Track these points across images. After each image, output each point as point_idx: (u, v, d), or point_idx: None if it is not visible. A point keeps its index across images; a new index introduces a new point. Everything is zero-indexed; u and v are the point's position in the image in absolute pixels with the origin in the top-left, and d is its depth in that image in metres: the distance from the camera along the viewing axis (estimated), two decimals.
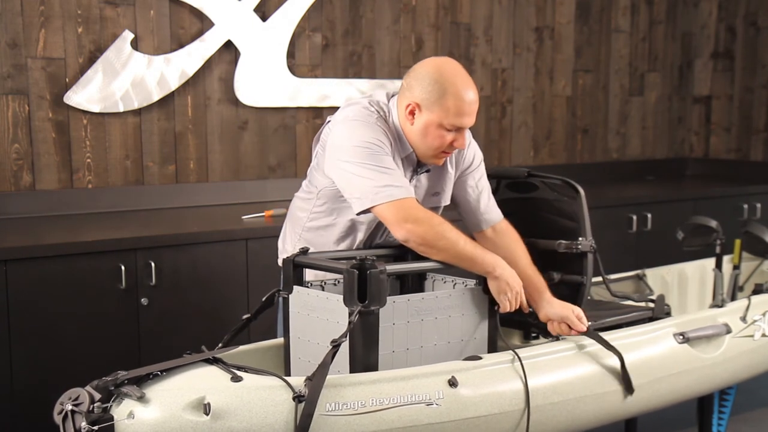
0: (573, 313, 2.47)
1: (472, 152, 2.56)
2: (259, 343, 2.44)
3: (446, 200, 2.55)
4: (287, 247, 2.61)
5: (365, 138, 2.27)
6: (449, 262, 2.28)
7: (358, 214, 2.30)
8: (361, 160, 2.25)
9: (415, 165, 2.43)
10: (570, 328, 2.47)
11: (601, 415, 2.44)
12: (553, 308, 2.48)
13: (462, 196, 2.57)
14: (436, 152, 2.36)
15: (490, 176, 2.78)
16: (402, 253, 2.55)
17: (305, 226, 2.55)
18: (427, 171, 2.46)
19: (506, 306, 2.32)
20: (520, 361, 2.26)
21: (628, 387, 2.44)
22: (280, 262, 2.69)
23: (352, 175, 2.26)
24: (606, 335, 2.57)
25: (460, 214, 2.60)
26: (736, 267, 3.39)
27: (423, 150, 2.37)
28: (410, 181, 2.42)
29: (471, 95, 2.33)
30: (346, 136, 2.30)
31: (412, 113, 2.33)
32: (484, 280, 2.32)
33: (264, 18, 4.04)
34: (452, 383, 2.10)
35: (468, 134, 2.52)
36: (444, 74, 2.31)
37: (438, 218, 2.29)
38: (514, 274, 2.32)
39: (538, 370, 2.29)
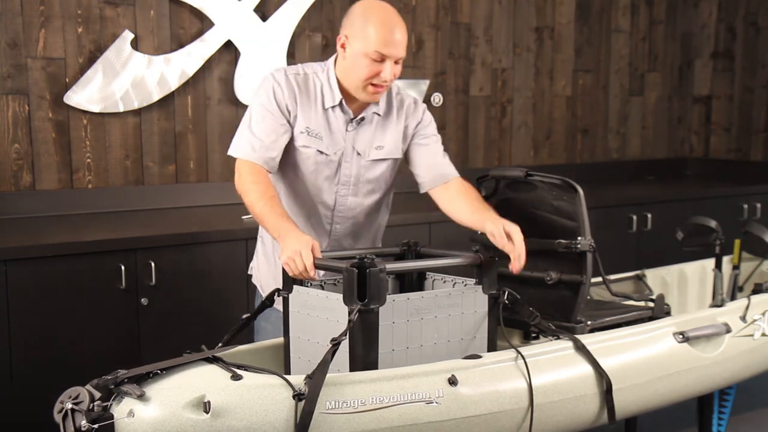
0: (503, 228, 2.35)
1: (422, 110, 2.63)
2: (259, 342, 2.44)
3: (393, 154, 2.58)
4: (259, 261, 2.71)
5: (258, 98, 2.49)
6: (256, 219, 2.41)
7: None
8: (248, 115, 2.49)
9: (351, 116, 2.50)
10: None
11: (601, 414, 2.44)
12: (491, 223, 2.39)
13: (413, 154, 2.62)
14: (365, 84, 2.42)
15: (489, 177, 2.79)
16: (402, 252, 2.55)
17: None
18: (362, 119, 2.51)
19: (288, 269, 2.23)
20: (524, 359, 2.26)
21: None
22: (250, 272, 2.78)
23: (241, 125, 2.51)
24: (606, 334, 2.58)
25: (413, 173, 2.63)
26: (735, 267, 3.38)
27: (354, 83, 2.44)
28: (346, 131, 2.50)
29: (395, 27, 2.42)
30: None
31: (343, 47, 2.46)
32: (482, 278, 2.33)
33: (264, 18, 4.04)
34: (452, 382, 2.10)
35: (417, 99, 2.63)
36: (370, 8, 2.43)
37: (252, 179, 2.39)
38: (299, 242, 2.20)
39: (539, 369, 2.28)
